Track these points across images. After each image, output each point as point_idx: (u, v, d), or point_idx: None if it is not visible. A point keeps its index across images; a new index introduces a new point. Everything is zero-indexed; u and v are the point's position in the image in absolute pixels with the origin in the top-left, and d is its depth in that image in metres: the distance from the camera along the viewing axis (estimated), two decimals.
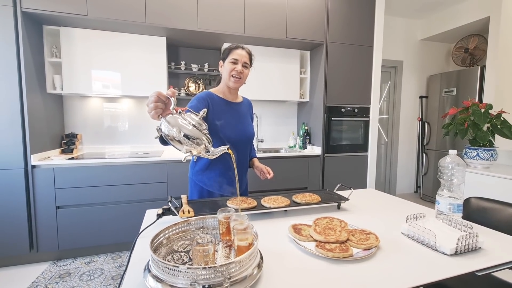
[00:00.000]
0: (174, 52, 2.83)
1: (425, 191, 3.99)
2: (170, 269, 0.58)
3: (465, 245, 0.81)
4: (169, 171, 2.31)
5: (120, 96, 2.63)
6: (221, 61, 1.35)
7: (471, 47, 3.60)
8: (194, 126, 0.72)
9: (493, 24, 3.01)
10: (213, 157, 0.77)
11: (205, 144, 0.73)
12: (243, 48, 1.31)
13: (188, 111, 0.77)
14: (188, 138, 0.70)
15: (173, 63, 2.74)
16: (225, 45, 2.66)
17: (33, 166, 2.01)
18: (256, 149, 1.63)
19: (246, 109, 1.45)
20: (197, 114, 0.77)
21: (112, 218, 2.20)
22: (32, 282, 1.85)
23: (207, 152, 0.74)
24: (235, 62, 1.28)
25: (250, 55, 1.33)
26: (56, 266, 2.06)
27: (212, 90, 1.36)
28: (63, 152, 2.44)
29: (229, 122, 1.31)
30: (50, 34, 2.33)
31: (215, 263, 0.64)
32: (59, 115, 2.49)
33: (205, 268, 0.57)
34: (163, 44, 2.48)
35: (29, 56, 2.06)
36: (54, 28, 2.27)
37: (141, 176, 2.25)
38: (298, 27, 2.63)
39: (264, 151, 2.87)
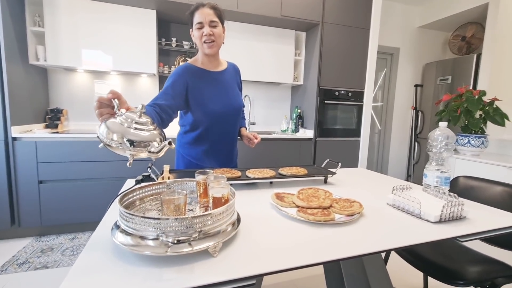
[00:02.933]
0: (165, 28, 2.72)
1: (416, 179, 4.02)
2: (139, 222, 0.54)
3: (450, 213, 0.79)
4: None
5: (108, 71, 2.54)
6: (190, 30, 1.21)
7: (468, 35, 3.56)
8: (135, 128, 0.61)
9: (491, 11, 2.96)
10: (158, 156, 0.64)
11: (153, 142, 0.62)
12: (203, 5, 1.14)
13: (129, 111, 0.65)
14: (133, 143, 0.60)
15: (163, 39, 2.64)
16: None
17: (14, 138, 1.94)
18: (246, 118, 1.56)
19: (231, 76, 1.32)
20: (135, 111, 0.65)
21: (98, 194, 2.16)
22: (13, 256, 1.80)
23: (150, 152, 0.62)
24: (200, 26, 1.14)
25: (215, 9, 1.16)
26: (39, 241, 2.02)
27: (190, 61, 1.25)
28: (47, 127, 2.35)
29: (213, 94, 1.22)
30: (32, 2, 2.20)
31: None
32: (43, 89, 2.40)
33: (177, 219, 0.53)
34: (153, 17, 2.38)
35: (9, 23, 1.95)
36: None
37: None
38: (294, 5, 2.55)
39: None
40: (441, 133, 1.02)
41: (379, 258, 0.99)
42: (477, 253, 1.17)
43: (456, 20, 3.56)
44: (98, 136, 0.61)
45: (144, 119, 0.64)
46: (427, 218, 0.79)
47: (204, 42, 1.15)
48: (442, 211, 0.78)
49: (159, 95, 1.11)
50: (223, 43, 1.22)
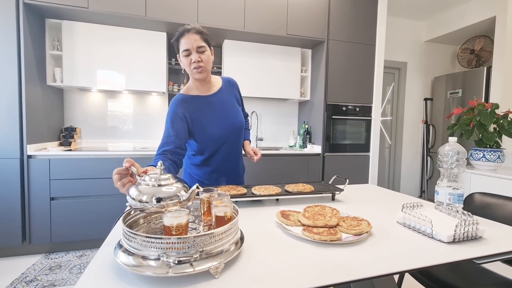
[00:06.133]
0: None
1: (430, 195, 3.88)
2: (141, 241, 0.54)
3: (464, 232, 0.76)
4: None
5: (120, 90, 2.63)
6: (178, 56, 1.16)
7: (477, 48, 3.53)
8: (160, 185, 0.64)
9: (499, 24, 2.94)
10: (189, 204, 0.66)
11: (178, 195, 0.65)
12: (189, 30, 1.08)
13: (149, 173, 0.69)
14: (161, 200, 0.62)
15: (173, 59, 2.74)
16: (227, 42, 2.66)
17: (29, 156, 2.01)
18: (250, 128, 1.53)
19: (228, 94, 1.28)
20: (156, 168, 0.68)
21: (107, 211, 2.17)
22: (22, 273, 1.81)
23: (180, 202, 0.65)
24: (187, 53, 1.09)
25: (201, 34, 1.10)
26: (48, 258, 2.03)
27: (182, 91, 1.22)
28: (61, 144, 2.43)
29: (212, 119, 1.21)
30: (53, 27, 2.35)
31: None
32: (58, 108, 2.50)
33: (178, 238, 0.53)
34: (164, 39, 2.48)
35: (30, 48, 2.07)
36: (56, 21, 2.29)
37: None
38: (299, 24, 2.61)
39: (264, 149, 2.83)
40: (451, 148, 1.00)
41: (392, 281, 0.94)
42: (499, 276, 1.10)
43: (464, 33, 3.55)
44: (129, 205, 0.65)
45: (166, 175, 0.67)
46: (439, 238, 0.76)
47: (194, 68, 1.11)
48: (455, 231, 0.75)
49: (163, 140, 1.11)
50: (213, 66, 1.22)
